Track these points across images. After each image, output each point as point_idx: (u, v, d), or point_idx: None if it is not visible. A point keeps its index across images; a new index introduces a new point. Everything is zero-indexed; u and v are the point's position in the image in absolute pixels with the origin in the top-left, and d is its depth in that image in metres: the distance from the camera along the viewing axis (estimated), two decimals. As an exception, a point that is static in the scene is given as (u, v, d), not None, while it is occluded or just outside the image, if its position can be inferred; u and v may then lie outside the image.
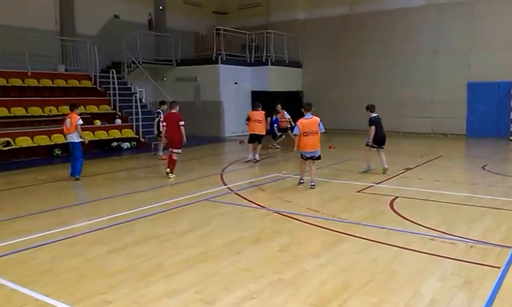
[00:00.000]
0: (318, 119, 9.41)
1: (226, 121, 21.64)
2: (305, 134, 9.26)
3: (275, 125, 16.36)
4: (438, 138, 20.19)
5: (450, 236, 6.30)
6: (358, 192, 9.30)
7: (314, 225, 6.92)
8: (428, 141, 19.30)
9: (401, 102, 21.74)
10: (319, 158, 9.76)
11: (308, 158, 9.62)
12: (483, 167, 12.07)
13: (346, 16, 23.32)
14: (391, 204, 8.12)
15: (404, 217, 7.30)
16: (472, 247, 5.93)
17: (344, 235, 6.40)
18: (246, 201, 8.50)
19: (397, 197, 8.66)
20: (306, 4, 24.86)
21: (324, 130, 9.51)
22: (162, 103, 14.49)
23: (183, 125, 10.61)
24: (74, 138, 10.60)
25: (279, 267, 5.22)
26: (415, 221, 7.03)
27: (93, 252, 5.78)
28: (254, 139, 13.23)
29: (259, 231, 6.68)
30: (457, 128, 20.63)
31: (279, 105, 16.86)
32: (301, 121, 9.36)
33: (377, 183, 10.09)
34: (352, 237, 6.29)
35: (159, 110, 14.34)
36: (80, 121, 10.65)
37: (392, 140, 19.25)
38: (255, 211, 7.87)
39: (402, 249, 5.82)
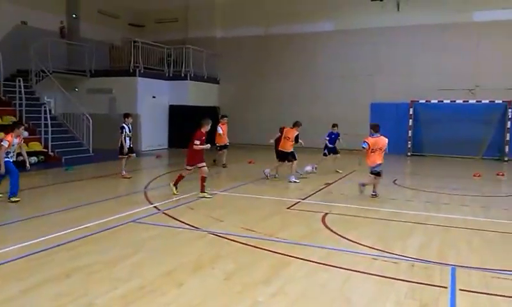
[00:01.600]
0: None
1: (143, 135, 20.34)
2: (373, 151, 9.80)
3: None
4: (347, 153, 20.73)
5: (390, 255, 6.08)
6: (288, 208, 8.91)
7: (254, 247, 6.32)
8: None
9: (313, 120, 22.12)
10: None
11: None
12: (394, 182, 12.41)
13: (262, 36, 23.43)
14: (324, 221, 7.82)
15: (340, 235, 7.00)
16: (413, 265, 5.74)
17: (287, 257, 5.89)
18: (177, 222, 7.65)
19: (327, 213, 8.41)
20: (224, 23, 24.58)
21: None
22: (126, 115, 12.76)
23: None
24: None
25: (229, 300, 4.53)
26: (352, 239, 6.76)
27: (2, 293, 4.59)
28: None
29: (198, 256, 5.90)
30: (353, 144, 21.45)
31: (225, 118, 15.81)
32: (369, 139, 9.88)
33: (304, 199, 9.81)
34: (296, 259, 5.79)
35: (123, 124, 12.53)
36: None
37: (305, 155, 19.49)
38: (189, 233, 7.07)
39: (348, 272, 5.43)
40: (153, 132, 20.89)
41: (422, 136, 20.12)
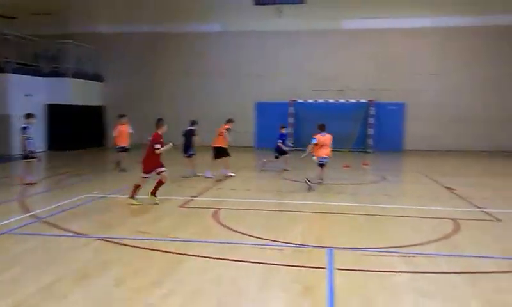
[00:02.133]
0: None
1: (15, 137, 18.27)
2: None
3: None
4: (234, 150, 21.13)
5: (276, 243, 6.35)
6: (181, 207, 8.78)
7: (147, 249, 6.10)
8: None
9: (203, 118, 22.17)
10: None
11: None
12: (282, 176, 12.93)
13: (150, 34, 22.66)
14: (216, 217, 7.87)
15: (231, 229, 7.12)
16: (296, 251, 6.08)
17: (180, 255, 5.80)
18: (60, 230, 7.03)
19: (219, 209, 8.47)
20: (109, 18, 23.13)
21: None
22: (29, 116, 11.32)
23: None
24: None
25: (120, 306, 4.30)
26: (243, 232, 6.92)
27: None
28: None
29: (84, 265, 5.49)
30: (248, 141, 22.11)
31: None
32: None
33: (196, 197, 9.77)
34: (190, 257, 5.74)
35: (25, 124, 11.15)
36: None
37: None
38: (73, 241, 6.54)
39: (240, 263, 5.56)
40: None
41: (302, 133, 21.34)
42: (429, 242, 6.48)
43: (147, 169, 8.86)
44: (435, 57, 20.41)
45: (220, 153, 12.64)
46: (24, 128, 11.15)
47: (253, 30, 21.66)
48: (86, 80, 21.47)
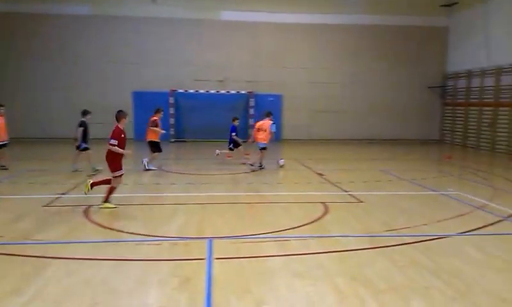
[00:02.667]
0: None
1: None
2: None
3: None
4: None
5: (153, 238, 6.20)
6: (46, 206, 8.00)
7: (3, 254, 5.44)
8: (100, 146, 18.88)
9: (72, 107, 20.56)
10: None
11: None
12: (161, 168, 12.61)
13: (11, 14, 20.06)
14: (87, 215, 7.34)
15: (105, 227, 6.72)
16: (175, 244, 6.00)
17: (46, 259, 5.29)
18: None
19: (90, 206, 7.92)
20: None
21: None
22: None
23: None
24: None
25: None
26: (117, 229, 6.60)
27: None
28: None
29: None
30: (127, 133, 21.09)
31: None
32: None
33: (64, 194, 9.00)
34: (56, 260, 5.28)
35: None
36: None
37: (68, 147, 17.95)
38: None
39: (115, 261, 5.28)
40: None
41: (183, 123, 21.13)
42: (301, 226, 6.92)
43: (116, 167, 7.85)
44: (308, 52, 21.71)
45: (153, 146, 12.23)
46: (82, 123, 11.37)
47: (126, 15, 20.61)
48: None
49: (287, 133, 21.59)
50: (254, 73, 21.36)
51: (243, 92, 20.97)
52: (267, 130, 12.35)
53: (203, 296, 4.38)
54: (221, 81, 21.11)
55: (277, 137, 21.26)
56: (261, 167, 12.52)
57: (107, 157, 7.88)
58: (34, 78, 20.44)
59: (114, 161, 7.85)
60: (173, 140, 20.49)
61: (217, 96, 20.75)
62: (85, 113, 11.83)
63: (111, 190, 7.90)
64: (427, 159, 16.43)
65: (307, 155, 16.32)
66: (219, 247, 5.82)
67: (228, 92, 20.84)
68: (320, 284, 4.72)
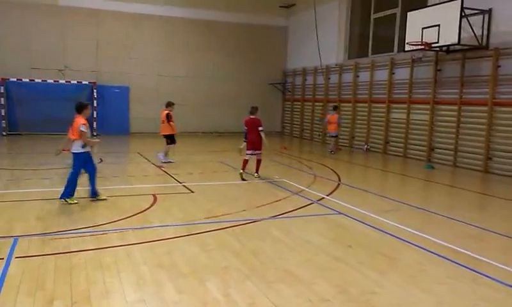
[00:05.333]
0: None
1: None
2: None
3: None
4: None
5: None
6: None
7: None
8: None
9: None
10: None
11: None
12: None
13: None
14: None
15: None
16: (-29, 246, 5.42)
17: None
18: None
19: None
20: None
21: None
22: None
23: (262, 130, 10.46)
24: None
25: None
26: None
27: None
28: None
29: None
30: None
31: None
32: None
33: None
34: None
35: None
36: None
37: None
38: None
39: None
40: None
41: (17, 115, 19.01)
42: (124, 218, 6.87)
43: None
44: (156, 44, 21.39)
45: (170, 139, 12.61)
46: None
47: None
48: None
49: (133, 126, 21.02)
50: (97, 63, 20.24)
51: (85, 82, 19.72)
52: (336, 122, 15.94)
53: (-12, 297, 4.07)
54: (61, 70, 19.52)
55: (124, 130, 20.63)
56: (331, 152, 15.99)
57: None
58: None
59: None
60: (5, 133, 18.33)
61: (57, 86, 19.12)
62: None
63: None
64: (265, 150, 17.61)
65: (149, 148, 16.13)
66: (25, 246, 5.45)
67: (68, 82, 19.38)
68: (123, 274, 4.76)
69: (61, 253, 5.29)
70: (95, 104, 19.64)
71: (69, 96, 19.00)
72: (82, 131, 7.55)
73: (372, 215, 7.57)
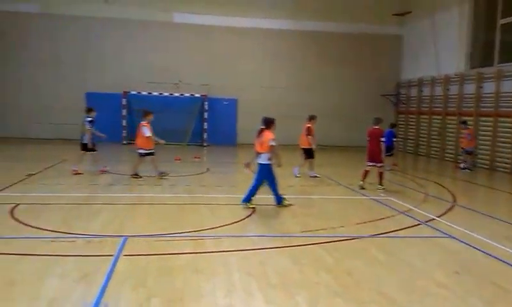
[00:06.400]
0: None
1: None
2: None
3: None
4: (57, 143, 19.91)
5: (70, 235, 6.38)
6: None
7: None
8: (49, 146, 18.74)
9: (24, 108, 20.64)
10: None
11: None
12: (106, 169, 12.61)
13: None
14: (12, 213, 7.46)
15: (25, 224, 6.88)
16: (89, 242, 6.20)
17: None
18: None
19: (18, 204, 8.03)
20: None
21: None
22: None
23: (383, 141, 10.67)
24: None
25: None
26: (37, 226, 6.76)
27: None
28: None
29: None
30: (76, 134, 21.02)
31: None
32: None
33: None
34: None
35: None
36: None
37: (15, 146, 17.81)
38: None
39: (22, 256, 5.47)
40: None
41: (136, 125, 21.11)
42: (221, 226, 7.24)
43: None
44: (260, 56, 22.20)
45: (307, 154, 12.67)
46: (90, 121, 11.63)
47: (78, 14, 20.60)
48: None
49: (241, 137, 21.97)
50: (208, 76, 21.62)
51: (197, 95, 21.22)
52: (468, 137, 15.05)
53: (98, 288, 4.63)
54: (175, 84, 21.31)
55: (232, 141, 21.68)
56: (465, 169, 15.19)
57: None
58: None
59: None
60: (125, 142, 20.52)
61: (171, 99, 20.90)
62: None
63: None
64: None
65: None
66: (131, 245, 6.07)
67: (182, 95, 21.06)
68: (216, 279, 5.04)
69: (162, 254, 5.79)
70: (206, 116, 21.01)
71: (182, 108, 20.71)
72: (272, 145, 8.21)
73: (487, 240, 6.90)
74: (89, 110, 12.12)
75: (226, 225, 7.33)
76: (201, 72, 21.61)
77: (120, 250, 5.82)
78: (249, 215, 8.01)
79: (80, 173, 11.58)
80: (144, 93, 20.67)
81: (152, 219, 7.60)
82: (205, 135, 20.92)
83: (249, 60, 22.04)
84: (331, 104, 22.54)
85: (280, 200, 8.61)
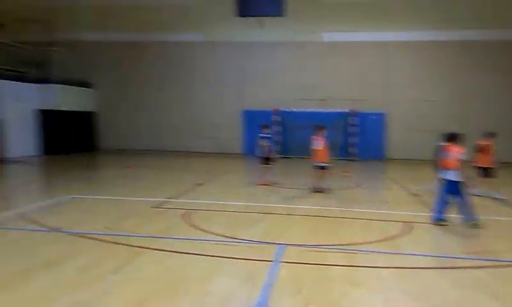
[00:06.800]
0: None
1: (10, 141, 19.04)
2: None
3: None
4: (219, 157, 21.86)
5: (233, 240, 7.03)
6: (154, 207, 9.43)
7: (111, 242, 6.77)
8: (212, 159, 20.71)
9: (190, 125, 23.35)
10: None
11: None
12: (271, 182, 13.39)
13: (135, 42, 23.42)
14: (184, 217, 8.51)
15: (196, 227, 7.78)
16: (250, 247, 6.75)
17: (140, 249, 6.46)
18: (38, 225, 7.72)
19: (189, 209, 9.12)
20: (94, 26, 23.71)
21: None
22: (266, 126, 13.00)
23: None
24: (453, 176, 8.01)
25: (76, 289, 4.98)
26: (205, 229, 7.60)
27: None
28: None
29: (52, 255, 6.16)
30: (235, 148, 22.87)
31: None
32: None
33: (172, 199, 10.41)
34: (149, 250, 6.41)
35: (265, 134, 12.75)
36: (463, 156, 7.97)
37: (181, 159, 20.13)
38: (45, 235, 7.21)
39: (194, 256, 6.23)
40: (20, 138, 19.65)
41: (288, 140, 22.09)
42: (373, 242, 7.15)
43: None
44: (406, 69, 21.32)
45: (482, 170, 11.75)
46: (265, 137, 12.71)
47: (236, 40, 22.49)
48: (73, 86, 22.33)
49: (390, 151, 21.21)
50: (354, 91, 21.60)
51: (344, 110, 21.26)
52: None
53: (260, 290, 5.04)
54: (322, 100, 21.69)
55: (380, 156, 21.05)
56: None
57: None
58: (152, 99, 23.57)
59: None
60: (277, 156, 21.57)
61: (319, 114, 21.23)
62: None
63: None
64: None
65: (405, 175, 15.94)
66: (289, 253, 6.40)
67: (330, 110, 21.33)
68: (372, 293, 5.04)
69: (318, 264, 5.99)
70: (353, 131, 20.87)
71: (329, 123, 20.85)
72: (462, 159, 7.87)
73: None
74: (265, 127, 12.94)
75: (380, 241, 7.21)
76: (348, 87, 21.67)
77: (278, 257, 6.20)
78: (400, 232, 7.73)
79: (266, 185, 12.48)
80: (294, 109, 21.52)
81: (306, 230, 7.88)
82: (354, 150, 20.74)
83: (395, 74, 21.34)
84: (491, 117, 20.30)
85: (469, 219, 7.90)
